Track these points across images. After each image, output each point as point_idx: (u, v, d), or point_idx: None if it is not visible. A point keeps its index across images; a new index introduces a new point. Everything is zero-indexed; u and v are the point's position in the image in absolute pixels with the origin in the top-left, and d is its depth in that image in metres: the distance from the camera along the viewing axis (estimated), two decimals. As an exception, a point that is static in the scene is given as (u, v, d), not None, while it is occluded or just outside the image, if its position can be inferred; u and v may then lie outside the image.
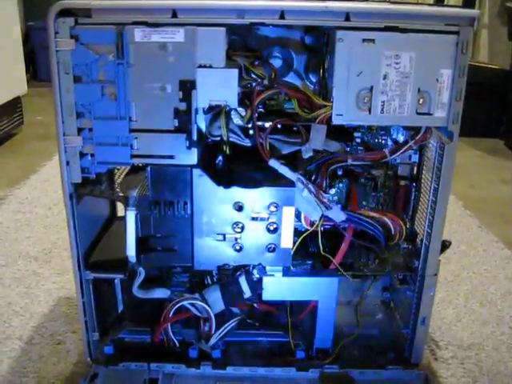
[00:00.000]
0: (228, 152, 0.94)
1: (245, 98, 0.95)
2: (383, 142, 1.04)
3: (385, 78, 0.87)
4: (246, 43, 1.00)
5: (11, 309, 1.28)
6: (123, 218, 0.93)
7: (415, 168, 1.09)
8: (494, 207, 2.04)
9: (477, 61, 3.24)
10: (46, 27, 0.83)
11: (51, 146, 2.45)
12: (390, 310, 1.22)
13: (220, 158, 0.96)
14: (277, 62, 1.02)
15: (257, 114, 0.96)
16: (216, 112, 0.90)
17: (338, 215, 0.95)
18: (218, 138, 0.93)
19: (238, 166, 0.97)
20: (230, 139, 0.94)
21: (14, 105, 2.55)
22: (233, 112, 0.95)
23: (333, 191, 1.06)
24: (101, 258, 1.01)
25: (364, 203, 1.09)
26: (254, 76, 0.95)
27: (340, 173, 1.04)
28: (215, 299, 1.03)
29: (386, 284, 1.23)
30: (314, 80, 1.02)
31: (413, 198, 1.10)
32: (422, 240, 1.02)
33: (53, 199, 1.89)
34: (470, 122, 2.79)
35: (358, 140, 1.03)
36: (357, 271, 1.03)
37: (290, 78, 1.03)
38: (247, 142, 0.96)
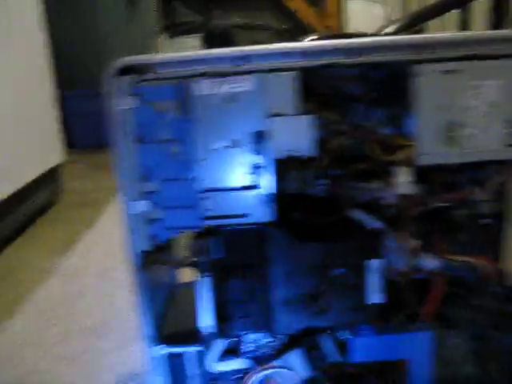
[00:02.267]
0: (304, 205, 0.87)
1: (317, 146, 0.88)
2: (465, 179, 0.96)
3: (470, 110, 0.80)
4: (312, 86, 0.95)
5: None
6: (193, 285, 0.86)
7: (498, 203, 1.01)
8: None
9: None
10: (106, 86, 0.78)
11: (91, 213, 2.42)
12: (480, 361, 1.12)
13: (295, 212, 0.89)
14: (347, 104, 0.96)
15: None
16: (289, 163, 0.84)
17: (429, 262, 0.87)
18: (293, 191, 0.86)
19: (313, 220, 0.90)
20: (305, 191, 0.87)
21: (53, 174, 2.53)
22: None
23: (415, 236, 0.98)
24: (172, 330, 0.93)
25: (448, 246, 1.00)
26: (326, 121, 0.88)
27: (421, 215, 0.96)
28: (297, 365, 0.94)
29: (475, 331, 1.13)
30: (386, 119, 0.96)
31: (499, 236, 1.02)
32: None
33: (102, 268, 1.83)
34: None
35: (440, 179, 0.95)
36: (449, 321, 0.94)
37: (362, 119, 0.96)
38: (321, 192, 0.89)
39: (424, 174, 0.92)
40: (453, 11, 1.85)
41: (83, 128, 3.76)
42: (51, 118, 2.55)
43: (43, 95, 2.47)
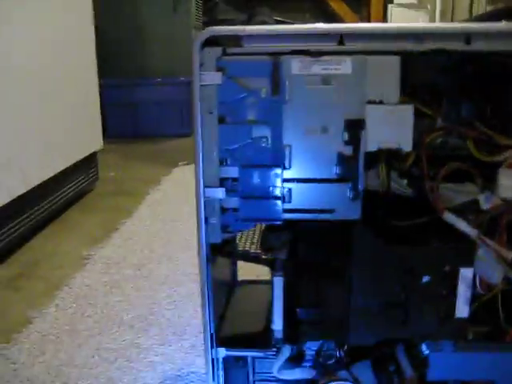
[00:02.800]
0: (393, 204, 0.79)
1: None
2: None
3: None
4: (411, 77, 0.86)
5: (113, 386, 1.13)
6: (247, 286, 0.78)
7: None
8: None
9: None
10: (192, 58, 0.70)
11: (127, 202, 2.35)
12: None
13: (380, 211, 0.81)
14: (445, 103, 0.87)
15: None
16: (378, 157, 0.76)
17: (527, 277, 0.78)
18: (378, 189, 0.78)
19: (400, 221, 0.82)
20: (392, 189, 0.79)
21: (90, 161, 2.47)
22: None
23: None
24: (235, 332, 0.86)
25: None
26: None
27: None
28: (366, 379, 0.86)
29: None
30: (490, 116, 0.87)
31: None
32: None
33: (140, 259, 1.76)
34: None
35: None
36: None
37: (462, 115, 0.88)
38: (409, 192, 0.81)
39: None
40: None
41: (119, 117, 3.72)
42: (93, 105, 2.50)
43: (88, 80, 2.42)
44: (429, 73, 0.85)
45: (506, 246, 0.79)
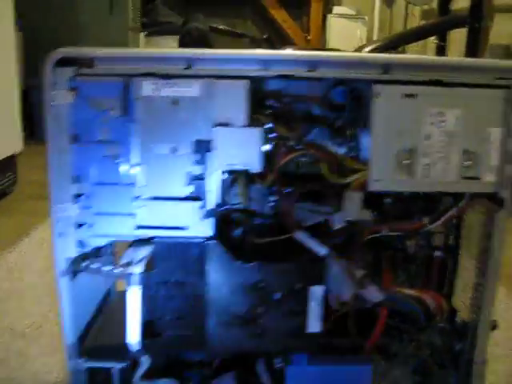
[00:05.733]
0: (247, 223, 0.81)
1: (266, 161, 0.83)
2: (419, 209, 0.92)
3: (428, 138, 0.76)
4: (266, 99, 0.89)
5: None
6: (124, 297, 0.80)
7: (451, 237, 0.97)
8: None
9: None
10: (42, 78, 0.72)
11: (44, 207, 2.32)
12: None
13: (237, 229, 0.84)
14: (302, 121, 0.91)
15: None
16: (234, 177, 0.79)
17: (374, 294, 0.82)
18: (236, 207, 0.81)
19: (257, 239, 0.84)
20: (250, 208, 0.82)
21: (9, 163, 2.44)
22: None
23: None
24: (97, 344, 0.87)
25: (396, 278, 0.96)
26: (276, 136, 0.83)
27: (371, 244, 0.92)
28: (228, 390, 0.89)
29: (418, 367, 1.09)
30: (342, 141, 0.91)
31: (450, 270, 0.98)
32: (464, 320, 0.89)
33: (45, 266, 1.75)
34: None
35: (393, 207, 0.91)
36: (392, 356, 0.90)
37: (318, 138, 0.91)
38: (268, 211, 0.84)
39: (376, 201, 0.88)
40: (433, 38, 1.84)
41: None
42: (12, 106, 2.46)
43: (5, 82, 2.38)
44: (291, 98, 0.89)
45: (355, 266, 0.83)
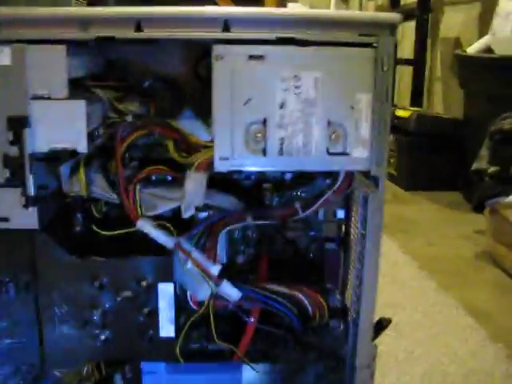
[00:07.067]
0: (92, 213, 0.70)
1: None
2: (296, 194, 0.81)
3: (282, 106, 0.65)
4: (115, 72, 0.78)
5: None
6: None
7: (343, 227, 0.87)
8: (453, 266, 1.82)
9: (432, 112, 3.10)
10: None
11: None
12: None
13: (78, 219, 0.72)
14: (160, 96, 0.79)
15: (130, 162, 0.73)
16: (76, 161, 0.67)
17: (229, 292, 0.71)
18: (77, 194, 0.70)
19: (101, 231, 0.73)
20: (93, 195, 0.71)
21: None
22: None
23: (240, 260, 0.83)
24: None
25: (279, 274, 0.85)
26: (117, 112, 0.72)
27: (249, 236, 0.81)
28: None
29: (320, 372, 0.98)
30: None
31: (342, 264, 0.88)
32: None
33: None
34: (427, 174, 2.60)
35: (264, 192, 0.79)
36: (271, 360, 0.80)
37: (184, 118, 0.78)
38: (115, 200, 0.72)
39: (234, 183, 0.77)
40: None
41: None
42: None
43: None
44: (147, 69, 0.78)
45: (212, 259, 0.71)
